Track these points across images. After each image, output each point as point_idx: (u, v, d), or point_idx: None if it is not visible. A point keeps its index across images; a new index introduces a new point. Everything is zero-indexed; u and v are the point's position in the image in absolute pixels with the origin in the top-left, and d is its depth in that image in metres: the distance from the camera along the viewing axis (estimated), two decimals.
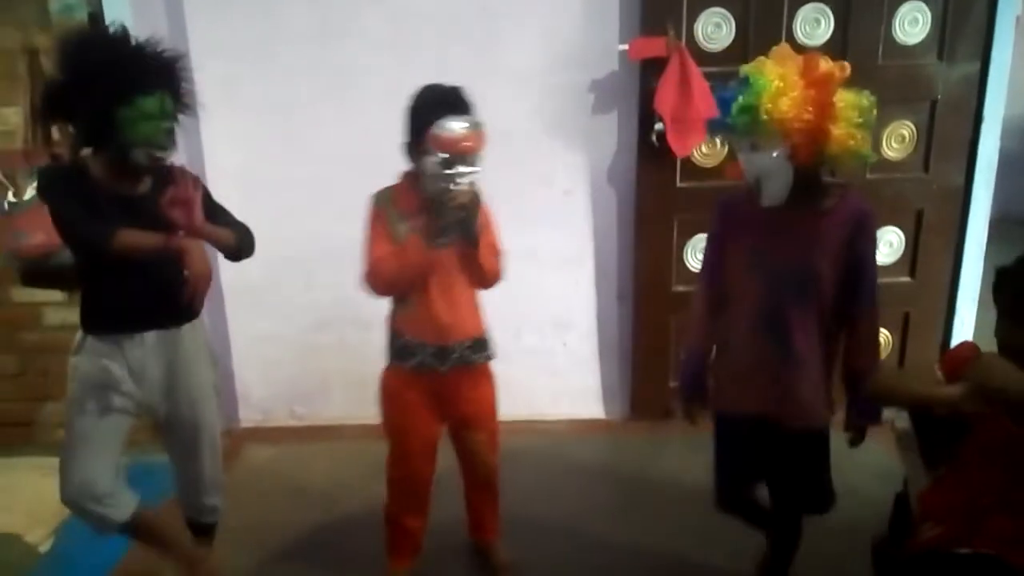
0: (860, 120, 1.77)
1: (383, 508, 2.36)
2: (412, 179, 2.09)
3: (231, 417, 3.50)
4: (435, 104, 1.98)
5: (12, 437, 3.26)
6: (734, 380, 2.03)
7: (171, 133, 1.97)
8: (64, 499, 2.04)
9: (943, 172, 3.23)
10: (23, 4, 2.80)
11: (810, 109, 1.72)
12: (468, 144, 1.95)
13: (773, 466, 2.08)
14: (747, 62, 3.04)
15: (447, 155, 1.94)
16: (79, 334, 2.06)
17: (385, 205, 2.12)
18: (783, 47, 1.84)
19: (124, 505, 2.07)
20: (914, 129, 3.19)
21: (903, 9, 3.05)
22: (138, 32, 2.70)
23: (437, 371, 2.15)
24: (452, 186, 1.96)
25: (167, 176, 1.97)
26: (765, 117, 1.72)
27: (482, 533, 2.48)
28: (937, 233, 3.30)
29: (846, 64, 1.79)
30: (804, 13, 3.04)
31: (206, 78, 3.11)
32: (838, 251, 1.86)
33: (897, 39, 3.08)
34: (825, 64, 1.77)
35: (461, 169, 1.96)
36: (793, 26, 3.05)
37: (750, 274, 1.93)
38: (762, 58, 1.82)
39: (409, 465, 2.27)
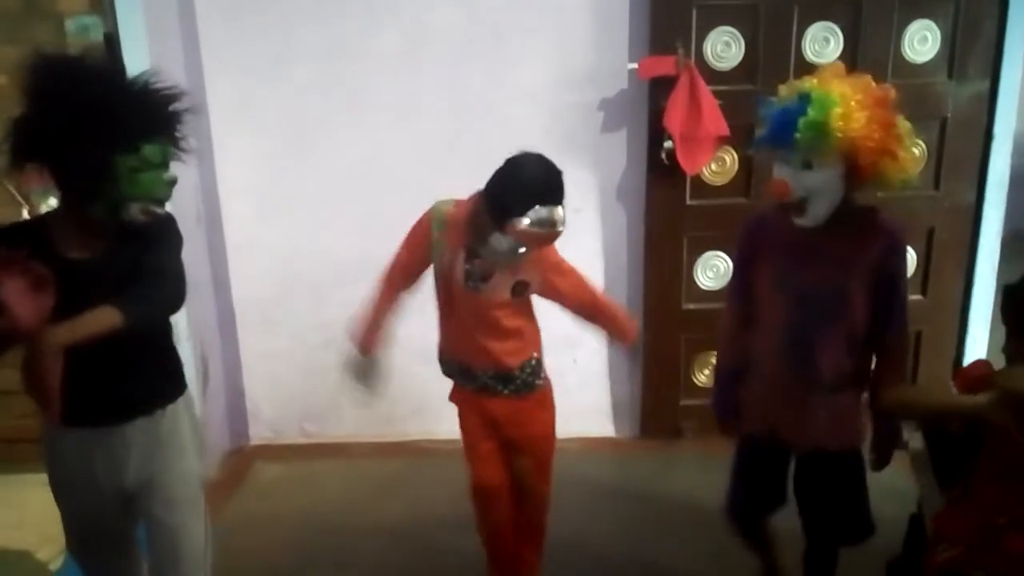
0: (910, 144, 1.77)
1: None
2: (472, 213, 2.00)
3: (241, 434, 3.51)
4: (529, 194, 1.85)
5: (24, 454, 3.25)
6: (755, 400, 2.01)
7: (172, 184, 1.69)
8: None
9: (954, 190, 3.23)
10: (39, 24, 2.82)
11: (877, 128, 1.70)
12: (546, 240, 1.93)
13: (801, 492, 2.03)
14: (756, 81, 3.05)
15: (518, 243, 1.91)
16: (43, 427, 1.79)
17: (438, 224, 2.07)
18: (836, 65, 1.81)
19: None
20: (924, 147, 3.18)
21: (912, 27, 3.06)
22: (153, 51, 2.78)
23: (467, 388, 2.19)
24: (510, 261, 1.96)
25: (133, 230, 1.67)
26: (838, 135, 1.68)
27: (519, 565, 2.36)
28: (948, 251, 3.29)
29: (891, 87, 1.78)
30: (813, 32, 3.05)
31: (220, 96, 3.17)
32: (869, 273, 1.82)
33: (907, 57, 3.09)
34: (879, 86, 1.76)
35: (524, 251, 1.94)
36: (802, 44, 3.06)
37: (776, 294, 1.90)
38: (824, 75, 1.78)
39: (475, 475, 2.24)
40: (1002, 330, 1.71)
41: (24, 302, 1.41)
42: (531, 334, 2.20)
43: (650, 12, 3.03)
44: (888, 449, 1.95)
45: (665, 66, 2.98)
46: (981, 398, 1.56)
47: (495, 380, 2.16)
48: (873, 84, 1.75)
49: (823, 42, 3.06)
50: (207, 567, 1.88)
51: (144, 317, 1.66)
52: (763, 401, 1.98)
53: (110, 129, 1.55)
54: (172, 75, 2.90)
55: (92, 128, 1.54)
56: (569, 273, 2.13)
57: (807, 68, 3.02)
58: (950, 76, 3.11)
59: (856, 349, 1.88)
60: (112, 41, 2.78)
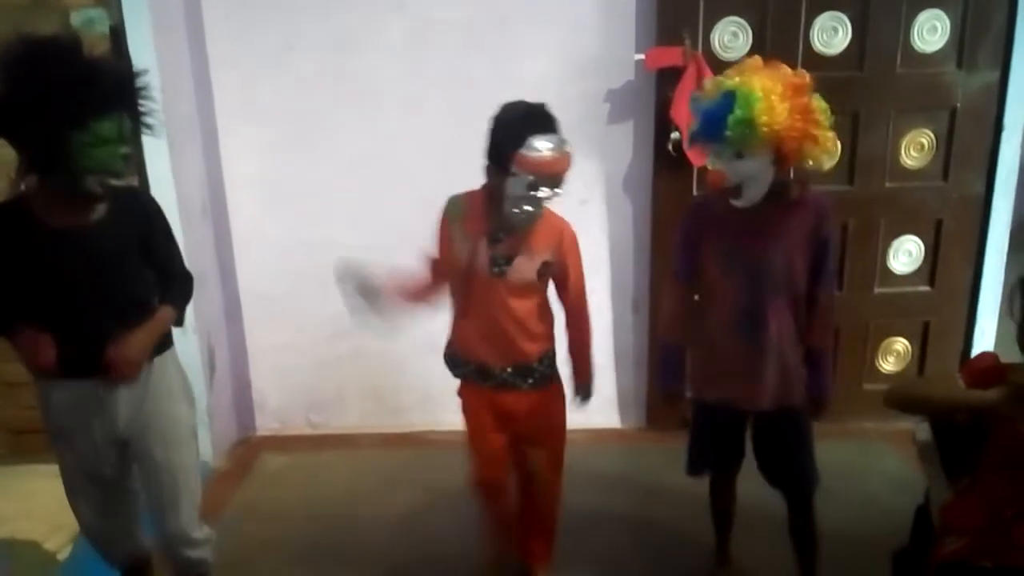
0: (828, 122, 1.86)
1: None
2: (487, 196, 2.02)
3: (247, 425, 3.52)
4: (524, 122, 1.89)
5: (32, 444, 3.28)
6: (712, 370, 2.12)
7: (127, 158, 1.77)
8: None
9: (963, 181, 3.21)
10: (44, 17, 2.83)
11: (799, 117, 1.80)
12: (559, 166, 1.90)
13: (760, 450, 2.15)
14: None
15: (534, 177, 1.88)
16: (38, 384, 1.90)
17: (454, 218, 2.07)
18: (754, 60, 1.89)
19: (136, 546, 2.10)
20: (933, 137, 3.17)
21: (921, 17, 3.03)
22: (159, 43, 2.79)
23: (483, 386, 2.15)
24: (534, 208, 1.92)
25: (126, 200, 1.83)
26: (764, 129, 1.78)
27: (529, 558, 2.38)
28: (957, 242, 3.28)
29: (804, 71, 1.87)
30: (821, 22, 3.03)
31: (225, 88, 3.17)
32: (804, 241, 1.97)
33: (916, 47, 3.07)
34: (795, 72, 1.85)
35: (545, 191, 1.91)
36: (810, 35, 3.04)
37: (726, 272, 2.01)
38: (744, 69, 1.86)
39: (479, 471, 2.23)
40: (1010, 321, 1.70)
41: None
42: (550, 323, 2.19)
43: (657, 2, 3.01)
44: (822, 398, 2.07)
45: (672, 57, 2.96)
46: (993, 394, 1.56)
47: (514, 375, 2.13)
48: (790, 72, 1.85)
49: (831, 32, 3.04)
50: (196, 500, 2.03)
51: (182, 313, 2.00)
52: (717, 373, 2.10)
53: (60, 107, 1.62)
54: (178, 67, 2.95)
55: (43, 106, 1.61)
56: (579, 257, 2.15)
57: (816, 58, 3.04)
58: (959, 66, 3.09)
59: (798, 311, 2.03)
60: (118, 33, 2.78)
